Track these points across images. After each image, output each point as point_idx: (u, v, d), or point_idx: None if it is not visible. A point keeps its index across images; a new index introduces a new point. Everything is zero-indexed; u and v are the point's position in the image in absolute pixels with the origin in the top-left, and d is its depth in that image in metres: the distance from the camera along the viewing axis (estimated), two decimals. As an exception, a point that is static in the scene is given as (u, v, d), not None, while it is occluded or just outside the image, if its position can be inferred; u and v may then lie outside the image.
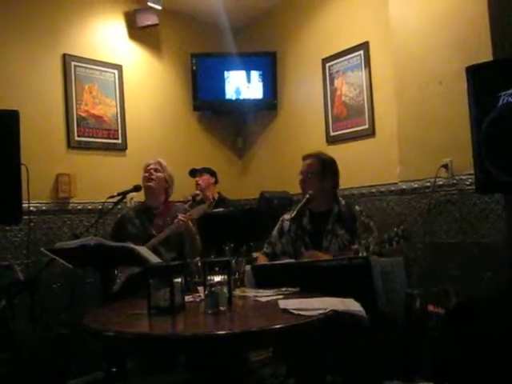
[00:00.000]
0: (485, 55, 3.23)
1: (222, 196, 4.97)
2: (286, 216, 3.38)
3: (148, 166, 3.91)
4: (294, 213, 3.21)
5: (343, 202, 3.28)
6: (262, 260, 3.36)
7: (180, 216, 3.60)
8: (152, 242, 3.58)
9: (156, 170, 3.86)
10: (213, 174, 4.93)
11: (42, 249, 3.19)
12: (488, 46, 3.34)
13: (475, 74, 2.75)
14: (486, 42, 3.35)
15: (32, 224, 3.97)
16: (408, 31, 3.89)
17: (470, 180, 3.45)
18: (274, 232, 3.42)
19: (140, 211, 3.90)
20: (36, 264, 3.83)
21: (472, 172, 2.93)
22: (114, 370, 3.31)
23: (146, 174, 3.86)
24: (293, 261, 3.09)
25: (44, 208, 4.22)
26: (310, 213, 3.29)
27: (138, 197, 4.18)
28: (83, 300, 4.13)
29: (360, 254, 2.82)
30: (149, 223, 3.78)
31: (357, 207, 3.30)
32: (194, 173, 4.89)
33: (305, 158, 3.36)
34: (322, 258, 2.99)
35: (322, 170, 3.27)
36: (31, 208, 3.90)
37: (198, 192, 4.20)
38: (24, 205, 3.31)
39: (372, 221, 3.25)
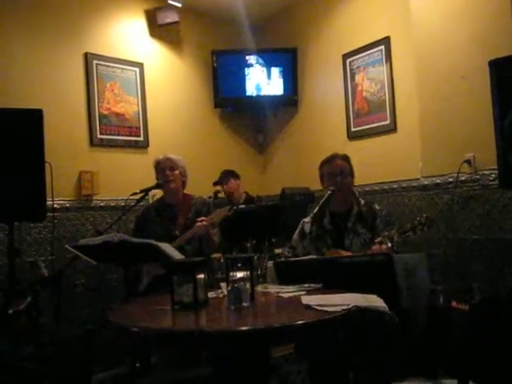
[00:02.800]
0: (508, 49, 3.18)
1: (250, 196, 4.96)
2: (306, 219, 3.37)
3: (159, 163, 3.85)
4: (317, 209, 3.21)
5: (363, 202, 3.28)
6: None
7: (200, 219, 3.58)
8: (174, 244, 3.57)
9: (171, 169, 3.80)
10: (236, 176, 4.92)
11: (66, 245, 3.23)
12: (511, 40, 3.30)
13: (498, 67, 2.72)
14: (509, 36, 3.31)
15: (56, 221, 4.01)
16: (429, 25, 3.85)
17: (493, 175, 3.42)
18: (295, 236, 3.41)
19: (161, 210, 3.87)
20: (60, 260, 3.87)
21: (495, 167, 2.90)
22: (138, 365, 3.34)
23: (163, 176, 3.81)
24: (315, 257, 3.09)
25: (67, 205, 4.27)
26: (330, 213, 3.29)
27: (160, 194, 4.20)
28: (107, 296, 4.18)
29: (384, 246, 2.81)
30: (171, 223, 3.76)
31: (376, 206, 3.29)
32: (218, 183, 4.88)
33: (332, 159, 3.33)
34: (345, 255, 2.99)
35: (351, 169, 3.30)
36: (55, 205, 3.93)
37: (219, 189, 4.20)
38: (48, 202, 3.35)
39: (392, 216, 3.26)
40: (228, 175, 4.86)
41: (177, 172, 3.82)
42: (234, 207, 3.79)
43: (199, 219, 3.57)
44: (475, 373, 1.97)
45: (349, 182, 3.27)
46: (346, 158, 3.33)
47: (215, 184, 4.83)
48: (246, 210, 4.25)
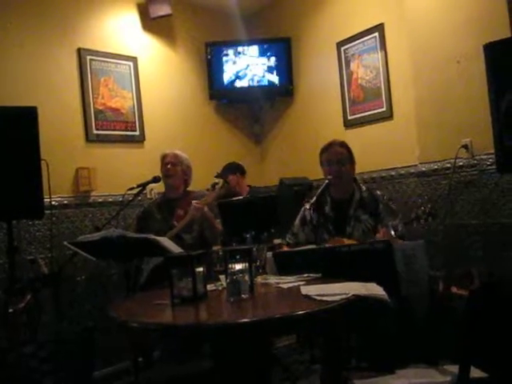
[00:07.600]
0: (502, 32, 3.18)
1: (254, 189, 4.95)
2: (308, 205, 3.37)
3: (164, 158, 3.91)
4: (314, 199, 3.21)
5: (364, 188, 3.28)
6: None
7: (194, 202, 3.60)
8: (172, 231, 3.60)
9: (173, 164, 3.86)
10: (235, 171, 4.86)
11: (65, 242, 3.23)
12: (506, 23, 3.29)
13: (493, 51, 2.71)
14: (504, 19, 3.30)
15: (54, 218, 4.01)
16: (423, 10, 3.84)
17: (490, 160, 3.41)
18: (296, 222, 3.42)
19: (161, 204, 3.93)
20: (60, 258, 3.87)
21: (493, 152, 2.90)
22: (141, 359, 3.35)
23: (164, 170, 3.87)
24: (314, 246, 3.09)
25: (65, 202, 4.26)
26: (331, 200, 3.30)
27: (158, 188, 4.20)
28: (107, 292, 4.18)
29: (387, 234, 2.83)
30: (170, 215, 3.80)
31: (378, 192, 3.30)
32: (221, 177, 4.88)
33: (330, 147, 3.32)
34: (346, 243, 2.99)
35: (350, 156, 3.29)
36: (53, 202, 3.94)
37: (217, 181, 4.18)
38: (46, 200, 3.35)
39: (393, 205, 3.27)
40: (227, 171, 4.81)
41: (178, 168, 3.87)
42: (226, 184, 3.79)
43: (194, 202, 3.59)
44: (476, 358, 1.97)
45: (347, 169, 3.27)
46: (344, 145, 3.33)
47: (217, 178, 4.83)
48: (243, 201, 4.23)
